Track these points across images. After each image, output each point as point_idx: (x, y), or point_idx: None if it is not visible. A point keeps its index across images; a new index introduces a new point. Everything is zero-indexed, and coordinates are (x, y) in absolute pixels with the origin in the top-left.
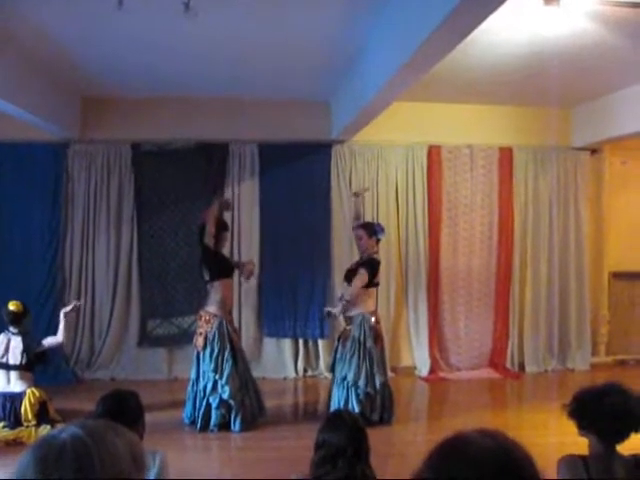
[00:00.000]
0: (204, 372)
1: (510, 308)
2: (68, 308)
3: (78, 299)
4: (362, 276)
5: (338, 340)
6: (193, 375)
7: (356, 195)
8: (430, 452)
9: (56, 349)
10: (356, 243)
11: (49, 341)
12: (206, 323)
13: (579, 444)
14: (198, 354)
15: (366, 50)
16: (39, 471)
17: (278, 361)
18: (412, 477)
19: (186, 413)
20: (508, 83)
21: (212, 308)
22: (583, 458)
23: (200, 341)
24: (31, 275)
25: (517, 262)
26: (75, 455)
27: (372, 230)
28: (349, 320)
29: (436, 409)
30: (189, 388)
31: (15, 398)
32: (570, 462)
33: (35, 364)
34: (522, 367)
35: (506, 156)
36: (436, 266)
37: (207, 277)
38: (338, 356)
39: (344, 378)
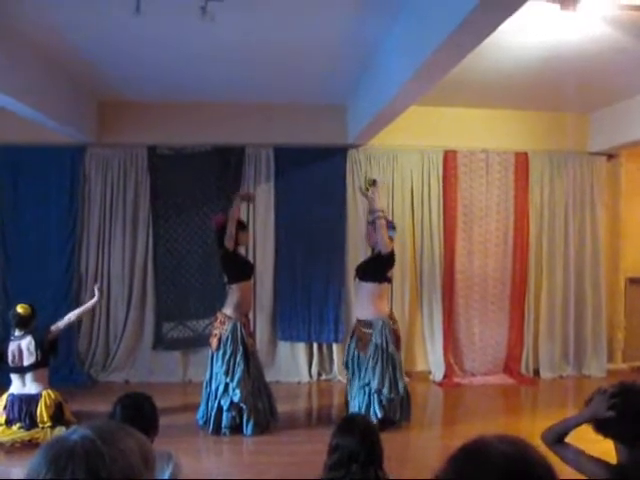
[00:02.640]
0: (216, 374)
1: (525, 313)
2: (95, 300)
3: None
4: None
5: (352, 339)
6: (207, 376)
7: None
8: (450, 455)
9: (70, 347)
10: (366, 238)
11: (57, 324)
12: (221, 324)
13: (594, 452)
14: (212, 355)
15: (382, 53)
16: (51, 471)
17: (292, 365)
18: (434, 477)
19: (199, 414)
20: (524, 88)
21: (228, 310)
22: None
23: (214, 342)
24: (47, 277)
25: (532, 267)
26: (86, 454)
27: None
28: (367, 325)
29: (451, 414)
30: (203, 389)
31: (31, 400)
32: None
33: (49, 356)
34: (537, 373)
35: (522, 161)
36: (451, 271)
37: (225, 279)
38: (352, 360)
39: (367, 384)
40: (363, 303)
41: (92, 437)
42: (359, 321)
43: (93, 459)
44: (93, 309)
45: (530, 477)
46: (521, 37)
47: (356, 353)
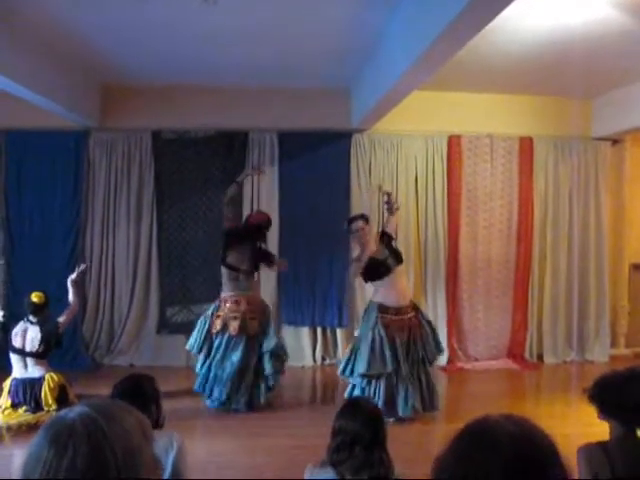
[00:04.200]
0: (212, 350)
1: (529, 299)
2: (74, 275)
3: (86, 265)
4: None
5: (376, 329)
6: (205, 352)
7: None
8: (454, 435)
9: (75, 331)
10: (360, 242)
11: (64, 318)
12: (235, 307)
13: (597, 434)
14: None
15: (387, 37)
16: (53, 449)
17: (296, 349)
18: (437, 458)
19: (197, 385)
20: (529, 72)
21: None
22: (603, 445)
23: (218, 323)
24: (52, 262)
25: (536, 252)
26: (87, 430)
27: (366, 217)
28: (411, 307)
29: (454, 399)
30: (199, 363)
31: (35, 383)
32: (588, 452)
33: (51, 349)
34: (540, 358)
35: (526, 146)
36: (455, 256)
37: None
38: (403, 354)
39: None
40: (404, 287)
41: (90, 413)
42: (402, 308)
43: (94, 434)
44: (96, 290)
45: (536, 457)
46: (527, 20)
47: (403, 345)
